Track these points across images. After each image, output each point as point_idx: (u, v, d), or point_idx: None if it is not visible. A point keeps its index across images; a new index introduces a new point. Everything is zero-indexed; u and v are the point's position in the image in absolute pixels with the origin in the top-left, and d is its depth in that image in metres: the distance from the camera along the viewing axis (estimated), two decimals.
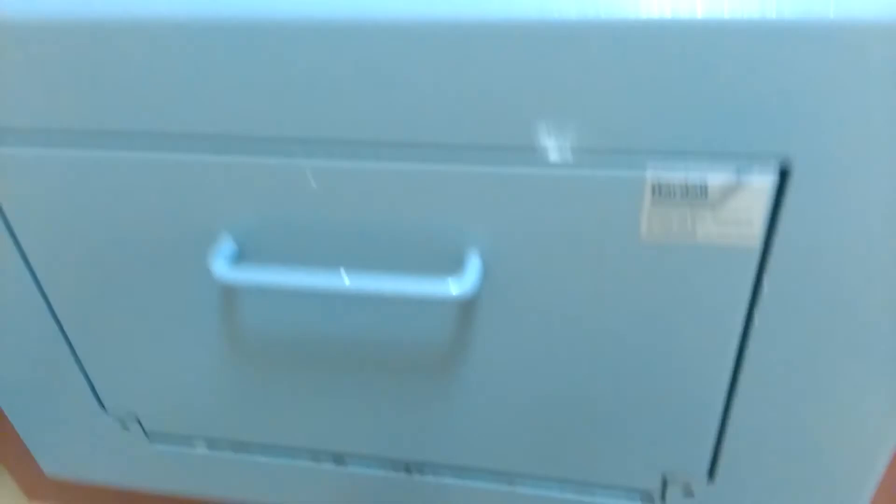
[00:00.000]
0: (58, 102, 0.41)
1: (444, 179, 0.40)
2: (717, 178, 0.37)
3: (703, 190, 0.37)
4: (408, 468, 0.57)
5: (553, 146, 0.37)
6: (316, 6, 0.36)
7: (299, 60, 0.37)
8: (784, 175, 0.37)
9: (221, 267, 0.43)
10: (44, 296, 0.52)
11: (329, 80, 0.38)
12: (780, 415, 0.46)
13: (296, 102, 0.39)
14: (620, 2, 0.33)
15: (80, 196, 0.45)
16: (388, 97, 0.38)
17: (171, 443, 0.60)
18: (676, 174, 0.37)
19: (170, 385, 0.55)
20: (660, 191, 0.38)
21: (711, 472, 0.51)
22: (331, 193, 0.42)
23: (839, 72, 0.33)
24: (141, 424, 0.59)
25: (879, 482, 0.50)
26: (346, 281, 0.42)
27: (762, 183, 0.37)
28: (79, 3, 0.38)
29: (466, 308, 0.45)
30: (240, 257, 0.45)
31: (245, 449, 0.59)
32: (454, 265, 0.43)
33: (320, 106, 0.39)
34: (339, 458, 0.58)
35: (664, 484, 0.52)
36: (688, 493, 0.52)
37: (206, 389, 0.54)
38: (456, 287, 0.41)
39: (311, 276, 0.42)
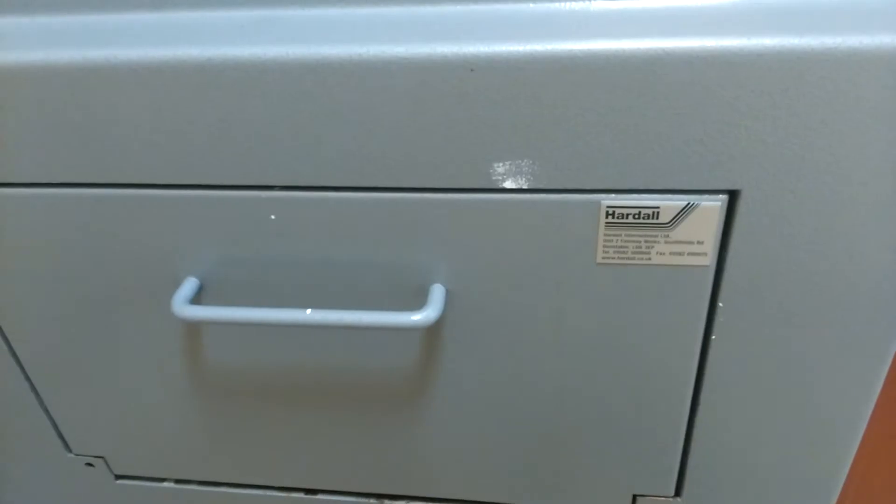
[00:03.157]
0: (11, 155, 0.41)
1: (405, 206, 0.40)
2: (668, 203, 0.38)
3: (655, 213, 0.38)
4: (380, 497, 0.57)
5: (509, 179, 0.38)
6: (271, 46, 0.36)
7: (254, 104, 0.37)
8: (734, 195, 0.38)
9: (182, 304, 0.42)
10: (4, 338, 0.51)
11: (287, 124, 0.38)
12: (742, 427, 0.47)
13: (254, 150, 0.39)
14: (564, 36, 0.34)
15: (38, 234, 0.45)
16: (347, 141, 0.38)
17: (138, 481, 0.59)
18: (629, 201, 0.38)
19: (136, 425, 0.54)
20: (613, 214, 0.39)
21: (678, 489, 0.51)
22: (291, 224, 0.42)
23: (783, 100, 0.34)
24: (107, 464, 0.58)
25: (842, 488, 0.51)
26: (307, 312, 0.42)
27: (712, 205, 0.38)
28: (32, 50, 0.38)
29: (431, 334, 0.45)
30: (203, 294, 0.45)
31: (213, 484, 0.58)
32: (417, 291, 0.44)
33: (280, 153, 0.39)
34: (309, 490, 0.57)
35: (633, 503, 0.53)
36: None
37: (173, 429, 0.54)
38: (419, 314, 0.41)
39: (273, 309, 0.42)
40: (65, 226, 0.44)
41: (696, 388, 0.46)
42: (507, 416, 0.49)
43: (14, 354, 0.52)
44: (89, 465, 0.59)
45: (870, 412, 0.45)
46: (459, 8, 0.37)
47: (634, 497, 0.52)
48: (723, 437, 0.48)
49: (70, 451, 0.58)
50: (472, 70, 0.35)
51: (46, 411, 0.55)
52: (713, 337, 0.43)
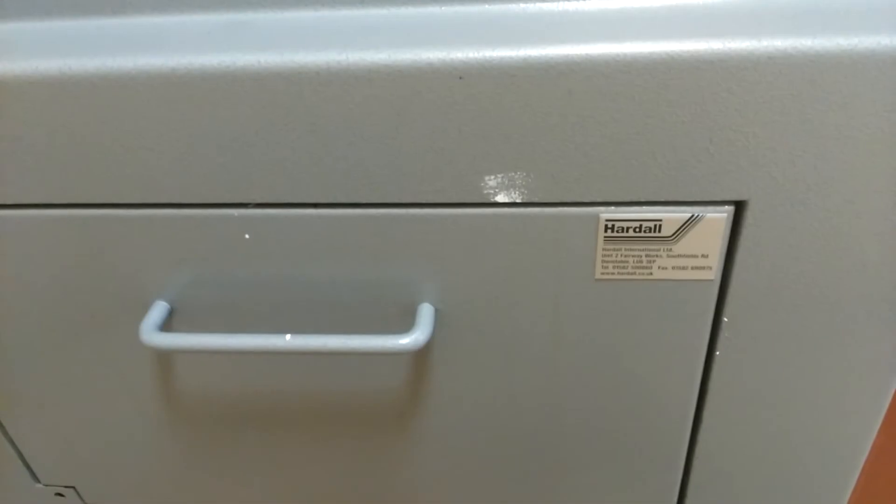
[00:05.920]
0: None
1: (390, 223, 0.38)
2: (671, 216, 0.36)
3: (657, 226, 0.36)
4: None
5: (501, 192, 0.36)
6: (242, 54, 0.33)
7: (225, 116, 0.34)
8: (740, 206, 0.36)
9: (151, 331, 0.39)
10: None
11: (261, 138, 0.35)
12: (745, 445, 0.45)
13: (225, 166, 0.36)
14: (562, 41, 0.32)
15: None
16: (325, 155, 0.35)
17: None
18: (630, 214, 0.36)
19: (108, 454, 0.51)
20: (613, 228, 0.36)
21: (680, 502, 0.50)
22: (267, 244, 0.39)
23: (794, 106, 0.32)
24: (79, 494, 0.55)
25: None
26: (287, 338, 0.39)
27: (718, 217, 0.35)
28: None
29: (420, 357, 0.43)
30: (174, 319, 0.42)
31: None
32: (405, 311, 0.41)
33: (253, 168, 0.36)
34: None
35: None
36: None
37: (147, 457, 0.51)
38: (407, 337, 0.39)
39: (249, 335, 0.39)
40: (24, 248, 0.41)
41: (698, 405, 0.44)
42: (502, 436, 0.47)
43: None
44: (59, 495, 0.56)
45: (876, 430, 0.44)
46: (446, 10, 0.34)
47: None
48: (725, 455, 0.46)
49: (38, 481, 0.55)
50: (460, 78, 0.32)
51: (11, 441, 0.52)
52: (717, 352, 0.41)
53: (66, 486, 0.55)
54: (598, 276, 0.38)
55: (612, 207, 0.36)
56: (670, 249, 0.37)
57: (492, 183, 0.35)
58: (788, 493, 0.47)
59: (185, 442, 0.50)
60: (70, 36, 0.36)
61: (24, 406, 0.49)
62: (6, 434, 0.52)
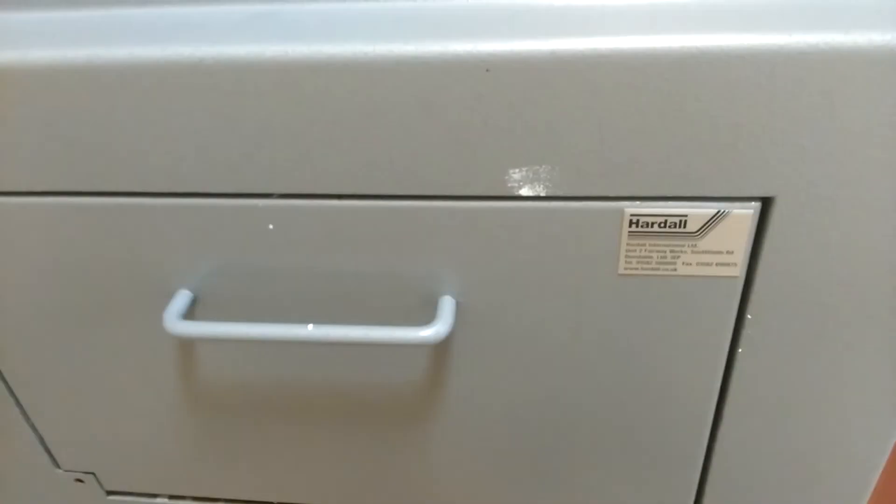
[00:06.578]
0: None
1: (413, 215, 0.38)
2: (696, 211, 0.35)
3: (682, 222, 0.36)
4: None
5: (525, 186, 0.35)
6: (269, 45, 0.33)
7: (251, 106, 0.35)
8: (767, 203, 0.35)
9: (174, 319, 0.40)
10: None
11: (286, 128, 0.35)
12: (765, 444, 0.45)
13: (250, 156, 0.36)
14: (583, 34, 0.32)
15: (22, 244, 0.42)
16: (351, 146, 0.35)
17: (130, 497, 0.57)
18: (655, 209, 0.36)
19: (128, 440, 0.52)
20: (637, 223, 0.36)
21: (697, 501, 0.49)
22: (291, 234, 0.39)
23: (824, 102, 0.32)
24: (98, 480, 0.56)
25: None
26: (309, 328, 0.39)
27: (744, 213, 0.35)
28: (6, 50, 0.35)
29: (440, 349, 0.43)
30: (197, 307, 0.42)
31: (209, 500, 0.56)
32: (426, 303, 0.41)
33: (279, 159, 0.36)
34: None
35: None
36: None
37: (167, 444, 0.51)
38: (429, 329, 0.39)
39: (272, 324, 0.39)
40: (50, 236, 0.41)
41: (718, 403, 0.44)
42: (520, 432, 0.47)
43: None
44: (79, 480, 0.56)
45: None
46: (474, 2, 0.34)
47: None
48: (745, 454, 0.45)
49: (59, 466, 0.55)
50: (487, 70, 0.32)
51: (33, 427, 0.53)
52: (740, 350, 0.41)
53: (85, 472, 0.55)
54: (621, 271, 0.38)
55: (637, 202, 0.36)
56: (695, 245, 0.37)
57: (516, 176, 0.35)
58: (808, 493, 0.47)
59: (204, 430, 0.50)
60: (98, 25, 0.36)
61: (46, 392, 0.50)
62: (28, 420, 0.52)
